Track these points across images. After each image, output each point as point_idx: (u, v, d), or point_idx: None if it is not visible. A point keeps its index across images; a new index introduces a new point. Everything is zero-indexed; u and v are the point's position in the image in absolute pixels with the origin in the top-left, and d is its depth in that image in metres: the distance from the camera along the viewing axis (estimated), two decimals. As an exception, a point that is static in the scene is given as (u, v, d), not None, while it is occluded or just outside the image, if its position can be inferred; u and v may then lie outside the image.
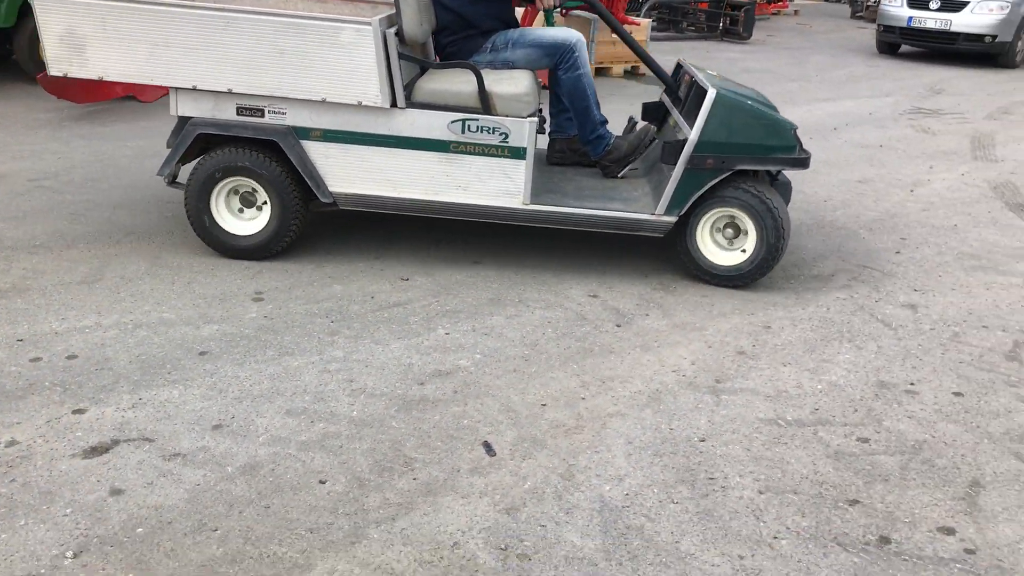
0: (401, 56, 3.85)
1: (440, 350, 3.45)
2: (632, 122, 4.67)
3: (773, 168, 3.92)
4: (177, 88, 3.88)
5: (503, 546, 2.39)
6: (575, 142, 4.55)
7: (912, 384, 3.36)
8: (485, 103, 3.88)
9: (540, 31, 4.31)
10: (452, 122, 3.88)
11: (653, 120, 4.61)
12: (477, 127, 3.87)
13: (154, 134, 6.13)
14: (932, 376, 3.43)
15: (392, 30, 3.84)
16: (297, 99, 3.84)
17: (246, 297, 3.78)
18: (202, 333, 3.44)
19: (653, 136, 4.44)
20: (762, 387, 3.30)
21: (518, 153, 3.89)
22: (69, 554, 2.25)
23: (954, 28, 12.30)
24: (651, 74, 4.45)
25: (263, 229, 4.05)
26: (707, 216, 4.01)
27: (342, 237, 4.53)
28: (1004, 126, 8.34)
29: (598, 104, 4.31)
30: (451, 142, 3.89)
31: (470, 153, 3.90)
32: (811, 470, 2.79)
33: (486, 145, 3.89)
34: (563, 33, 4.24)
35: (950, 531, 2.52)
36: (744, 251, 4.03)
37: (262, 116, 3.92)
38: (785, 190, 4.25)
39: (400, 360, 3.34)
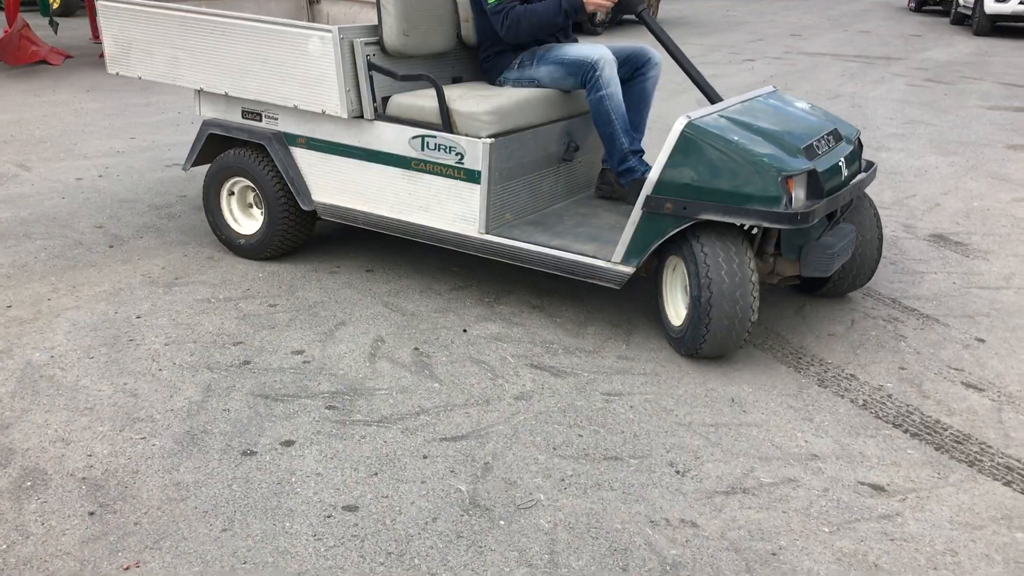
0: (371, 67, 3.74)
1: (-74, 276, 3.96)
2: None
3: (746, 222, 3.10)
4: (198, 90, 4.15)
5: (-77, 399, 3.02)
6: None
7: (337, 267, 4.32)
8: (445, 120, 3.61)
9: (566, 47, 3.88)
10: (413, 138, 3.68)
11: None
12: (435, 145, 3.63)
13: None
14: (353, 261, 4.41)
15: (363, 40, 3.72)
16: (280, 105, 3.91)
17: None
18: None
19: None
20: (213, 280, 4.11)
21: (473, 176, 3.57)
22: None
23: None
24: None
25: (256, 231, 4.20)
26: (668, 265, 3.48)
27: None
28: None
29: (628, 131, 3.79)
30: (412, 159, 3.70)
31: (429, 172, 3.67)
32: (218, 327, 3.64)
33: (443, 165, 3.63)
34: (586, 50, 3.80)
35: (300, 352, 3.46)
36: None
37: (260, 120, 4.06)
38: (819, 254, 3.34)
39: None
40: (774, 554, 2.41)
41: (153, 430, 2.90)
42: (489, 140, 3.55)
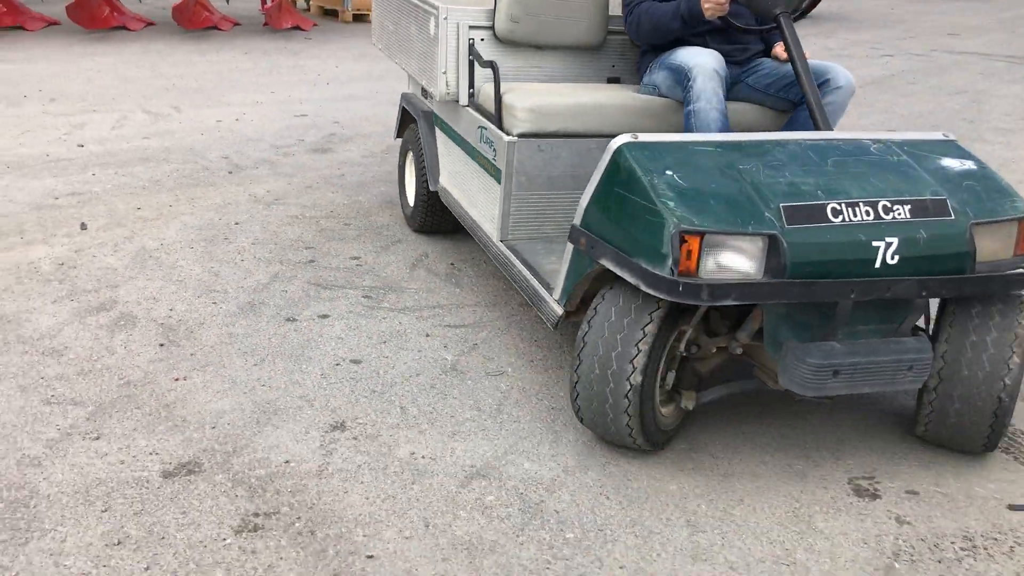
0: (470, 52, 3.56)
1: (83, 183, 4.92)
2: None
3: (628, 277, 2.43)
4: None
5: (61, 263, 3.89)
6: None
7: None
8: (498, 111, 3.29)
9: (680, 51, 3.26)
10: (478, 127, 3.46)
11: None
12: (485, 137, 3.38)
13: None
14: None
15: (470, 23, 3.58)
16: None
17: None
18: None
19: None
20: (306, 203, 4.87)
21: (497, 175, 3.26)
22: None
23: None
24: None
25: (413, 203, 4.31)
26: None
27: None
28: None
29: None
30: (475, 149, 3.50)
31: (481, 165, 3.44)
32: (297, 236, 4.39)
33: (484, 158, 3.39)
34: (689, 54, 3.18)
35: (356, 258, 4.15)
36: None
37: (427, 97, 4.13)
38: (795, 361, 2.41)
39: (47, 190, 4.80)
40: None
41: (223, 298, 3.65)
42: (513, 138, 3.17)
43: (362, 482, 2.51)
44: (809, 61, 3.12)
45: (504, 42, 3.63)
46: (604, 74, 3.87)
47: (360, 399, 2.95)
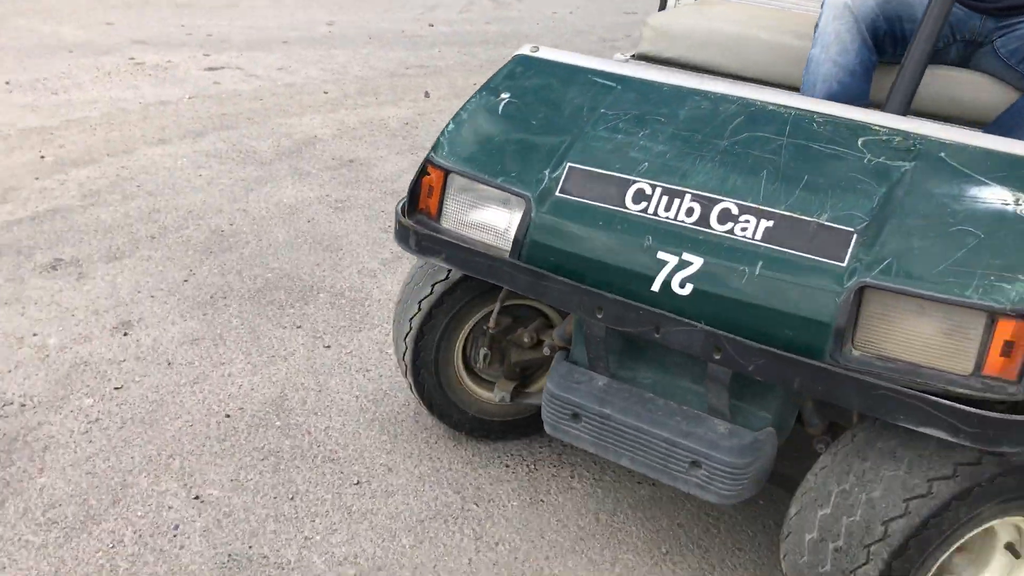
0: None
1: (430, 58, 5.48)
2: None
3: None
4: None
5: (406, 122, 4.44)
6: None
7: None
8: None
9: None
10: None
11: None
12: None
13: None
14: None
15: None
16: None
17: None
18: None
19: None
20: (624, 92, 5.12)
21: None
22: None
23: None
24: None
25: None
26: None
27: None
28: None
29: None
30: None
31: None
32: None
33: None
34: None
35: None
36: None
37: None
38: (548, 388, 1.79)
39: (400, 61, 5.40)
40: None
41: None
42: (621, 58, 2.44)
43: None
44: None
45: None
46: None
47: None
